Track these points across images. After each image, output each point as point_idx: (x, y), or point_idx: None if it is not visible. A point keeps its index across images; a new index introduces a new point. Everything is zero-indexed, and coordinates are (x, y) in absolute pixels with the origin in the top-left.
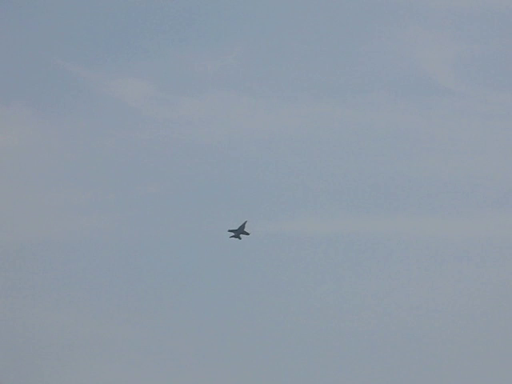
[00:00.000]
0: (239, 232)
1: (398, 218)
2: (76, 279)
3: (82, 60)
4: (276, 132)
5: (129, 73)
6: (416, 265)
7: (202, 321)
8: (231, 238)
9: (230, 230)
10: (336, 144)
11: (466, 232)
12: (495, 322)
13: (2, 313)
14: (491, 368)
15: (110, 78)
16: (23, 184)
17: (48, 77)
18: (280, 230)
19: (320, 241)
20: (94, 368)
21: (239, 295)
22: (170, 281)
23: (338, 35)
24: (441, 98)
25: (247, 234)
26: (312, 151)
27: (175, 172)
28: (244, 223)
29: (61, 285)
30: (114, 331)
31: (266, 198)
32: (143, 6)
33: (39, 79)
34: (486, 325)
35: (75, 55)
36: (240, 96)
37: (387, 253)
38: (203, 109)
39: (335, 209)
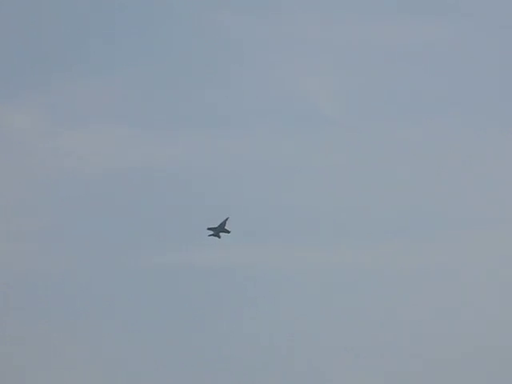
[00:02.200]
0: (219, 230)
1: (279, 247)
2: None
3: None
4: (162, 162)
5: (11, 103)
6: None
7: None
8: (210, 237)
9: (209, 228)
10: (221, 173)
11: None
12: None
13: None
14: None
15: None
16: None
17: None
18: (168, 261)
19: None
20: None
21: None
22: None
23: (223, 62)
24: (323, 126)
25: (228, 232)
26: (198, 181)
27: (60, 205)
28: (225, 220)
29: None
30: None
31: (155, 230)
32: (20, 34)
33: None
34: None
35: None
36: (125, 127)
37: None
38: (88, 140)
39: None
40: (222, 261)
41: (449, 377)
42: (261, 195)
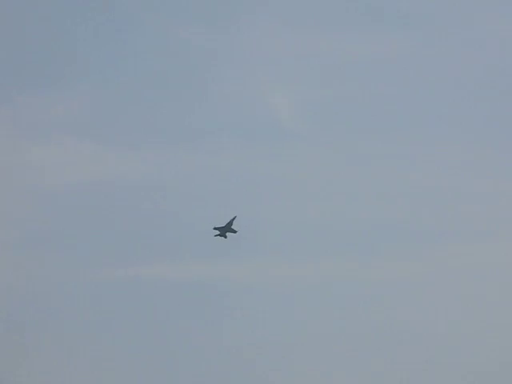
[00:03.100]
0: (226, 230)
1: (244, 265)
2: None
3: None
4: (125, 177)
5: None
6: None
7: None
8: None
9: (215, 228)
10: (185, 188)
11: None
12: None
13: None
14: None
15: None
16: None
17: None
18: (134, 276)
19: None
20: None
21: None
22: None
23: (187, 78)
24: (287, 141)
25: (234, 231)
26: (161, 196)
27: (23, 218)
28: (232, 219)
29: None
30: None
31: (118, 244)
32: None
33: None
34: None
35: None
36: (88, 142)
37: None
38: (51, 154)
39: (185, 255)
40: (187, 275)
41: None
42: (224, 208)
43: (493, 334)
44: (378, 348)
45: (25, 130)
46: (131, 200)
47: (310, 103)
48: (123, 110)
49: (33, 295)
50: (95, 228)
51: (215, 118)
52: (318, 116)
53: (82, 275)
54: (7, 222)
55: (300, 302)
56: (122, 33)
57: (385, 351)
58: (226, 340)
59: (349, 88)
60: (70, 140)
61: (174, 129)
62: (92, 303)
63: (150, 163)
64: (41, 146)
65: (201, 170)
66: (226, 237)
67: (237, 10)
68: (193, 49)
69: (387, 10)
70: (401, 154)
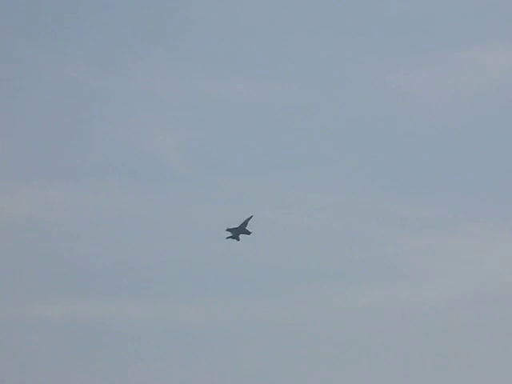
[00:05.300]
0: (239, 231)
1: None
2: None
3: None
4: (5, 214)
5: None
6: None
7: None
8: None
9: (228, 229)
10: (70, 228)
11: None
12: None
13: None
14: None
15: None
16: None
17: None
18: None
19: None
20: None
21: None
22: None
23: (70, 117)
24: (171, 181)
25: (248, 233)
26: (46, 235)
27: None
28: (248, 219)
29: None
30: None
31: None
32: None
33: None
34: None
35: None
36: None
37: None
38: None
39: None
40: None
41: None
42: (109, 249)
43: None
44: None
45: None
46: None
47: (195, 144)
48: (6, 148)
49: None
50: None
51: (100, 158)
52: (204, 156)
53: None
54: None
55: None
56: (9, 70)
57: None
58: None
59: (234, 129)
60: None
61: (59, 168)
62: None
63: (36, 200)
64: None
65: (86, 210)
66: (238, 239)
67: (125, 51)
68: (79, 87)
69: (271, 56)
70: (283, 195)
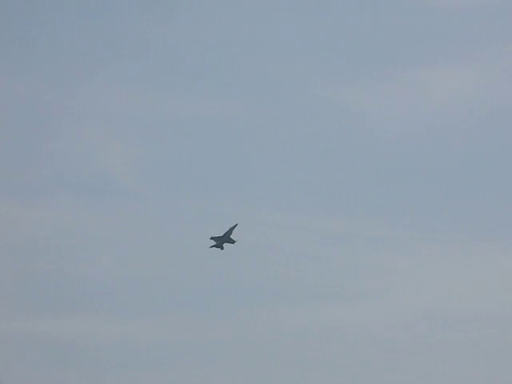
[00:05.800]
0: (223, 240)
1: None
2: None
3: None
4: None
5: None
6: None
7: None
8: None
9: (212, 238)
10: (18, 244)
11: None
12: None
13: None
14: None
15: None
16: None
17: None
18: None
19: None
20: None
21: None
22: None
23: (18, 133)
24: (120, 198)
25: (232, 242)
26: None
27: None
28: (232, 227)
29: None
30: None
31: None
32: None
33: None
34: None
35: None
36: None
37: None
38: None
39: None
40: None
41: None
42: (64, 266)
43: None
44: None
45: None
46: None
47: (144, 160)
48: None
49: None
50: None
51: (49, 173)
52: (153, 173)
53: None
54: None
55: None
56: None
57: None
58: None
59: (184, 146)
60: None
61: (6, 183)
62: None
63: None
64: None
65: (34, 226)
66: (222, 248)
67: (74, 66)
68: (28, 102)
69: (220, 73)
70: (230, 212)
